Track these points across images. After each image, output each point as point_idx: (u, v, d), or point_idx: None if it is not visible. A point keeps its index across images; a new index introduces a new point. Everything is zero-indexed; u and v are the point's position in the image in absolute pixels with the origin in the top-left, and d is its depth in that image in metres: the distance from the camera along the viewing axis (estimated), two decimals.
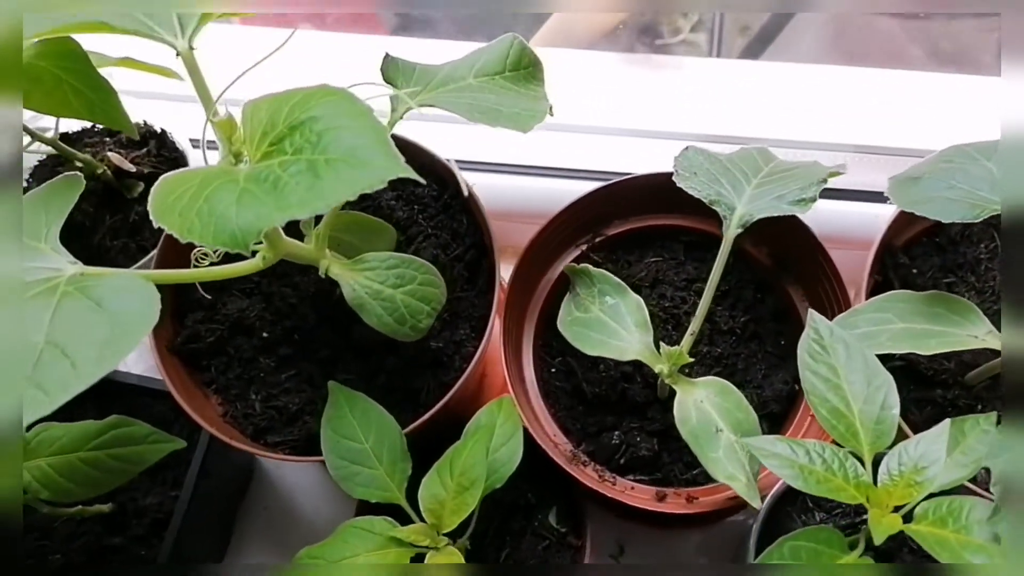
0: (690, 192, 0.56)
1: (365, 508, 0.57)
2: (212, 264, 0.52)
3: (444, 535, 0.51)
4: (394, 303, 0.53)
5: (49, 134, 0.62)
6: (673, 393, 0.58)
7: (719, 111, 0.85)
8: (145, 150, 0.68)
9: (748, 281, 0.68)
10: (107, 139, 0.69)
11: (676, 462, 0.64)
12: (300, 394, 0.61)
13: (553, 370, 0.68)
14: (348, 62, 0.89)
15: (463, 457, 0.52)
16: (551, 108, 0.54)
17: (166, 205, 0.37)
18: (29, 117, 0.67)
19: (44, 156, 0.68)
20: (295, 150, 0.38)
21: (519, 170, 0.84)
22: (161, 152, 0.69)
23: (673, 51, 1.39)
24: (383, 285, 0.53)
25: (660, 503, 0.60)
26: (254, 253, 0.47)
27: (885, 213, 0.64)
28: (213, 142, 0.58)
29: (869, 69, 0.89)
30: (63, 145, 0.61)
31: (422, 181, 0.38)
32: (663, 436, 0.63)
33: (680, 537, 0.74)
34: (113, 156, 0.65)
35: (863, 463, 0.43)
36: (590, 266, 0.62)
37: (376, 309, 0.53)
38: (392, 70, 0.53)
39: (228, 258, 0.51)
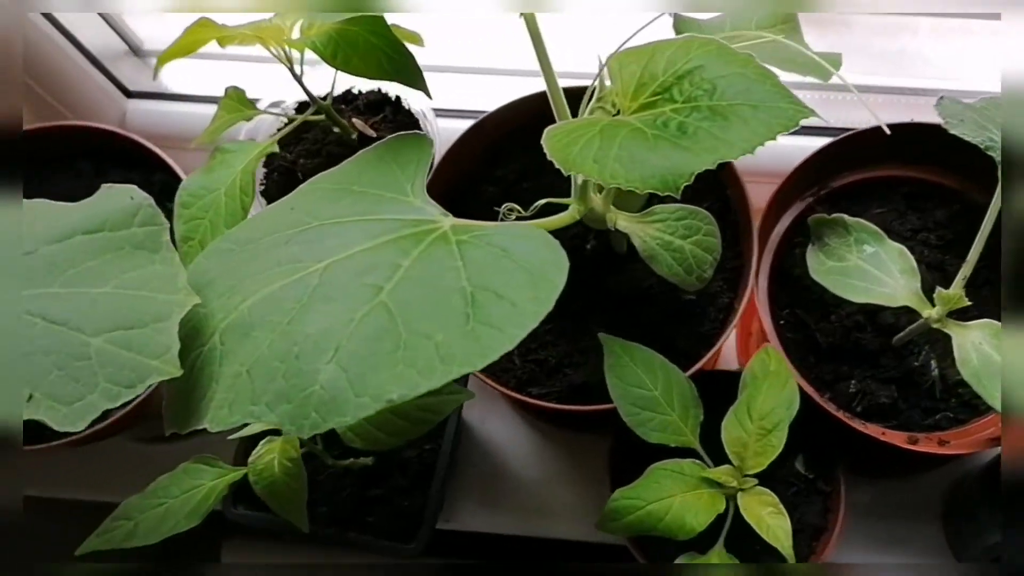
0: (964, 138, 0.57)
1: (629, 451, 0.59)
2: (520, 218, 0.54)
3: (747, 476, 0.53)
4: (683, 253, 0.55)
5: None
6: (910, 342, 0.60)
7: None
8: (382, 116, 0.70)
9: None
10: (343, 106, 0.71)
11: (913, 408, 0.65)
12: (556, 348, 0.63)
13: (782, 322, 0.69)
14: None
15: (758, 402, 0.54)
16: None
17: (573, 155, 0.39)
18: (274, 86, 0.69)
19: (285, 121, 0.70)
20: (686, 98, 0.40)
21: None
22: (397, 117, 0.70)
23: None
24: (673, 236, 0.55)
25: (913, 446, 0.62)
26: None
27: None
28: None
29: None
30: (333, 112, 0.63)
31: (828, 122, 0.39)
32: (900, 383, 0.65)
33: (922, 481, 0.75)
34: (356, 122, 0.67)
35: None
36: (845, 216, 0.63)
37: (667, 259, 0.55)
38: (684, 26, 0.54)
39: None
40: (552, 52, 0.48)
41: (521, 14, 0.46)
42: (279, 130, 0.64)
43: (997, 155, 0.56)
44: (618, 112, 0.42)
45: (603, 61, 0.43)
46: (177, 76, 0.88)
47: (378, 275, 0.39)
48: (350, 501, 0.66)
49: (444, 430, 0.67)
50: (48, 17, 0.72)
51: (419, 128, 0.70)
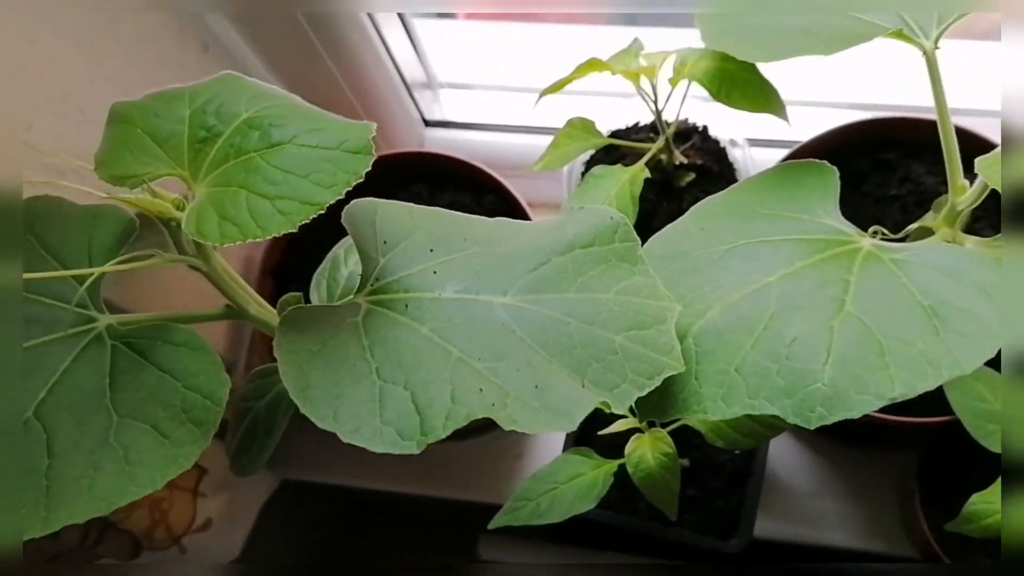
0: None
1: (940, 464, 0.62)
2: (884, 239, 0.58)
3: None
4: None
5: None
6: None
7: None
8: (690, 143, 0.75)
9: None
10: (651, 135, 0.77)
11: None
12: None
13: None
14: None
15: None
16: None
17: None
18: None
19: (595, 150, 0.76)
20: None
21: None
22: (705, 144, 0.76)
23: None
24: None
25: None
26: None
27: None
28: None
29: None
30: (671, 142, 0.69)
31: None
32: None
33: None
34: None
35: None
36: None
37: None
38: None
39: None
40: None
41: (924, 52, 0.51)
42: (586, 158, 0.71)
43: None
44: None
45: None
46: (459, 106, 0.97)
47: (834, 289, 0.44)
48: None
49: None
50: (384, 44, 0.81)
51: (726, 155, 0.76)
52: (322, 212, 0.38)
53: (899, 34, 0.51)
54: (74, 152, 0.52)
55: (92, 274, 0.38)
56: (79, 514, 0.34)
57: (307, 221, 0.37)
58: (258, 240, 0.36)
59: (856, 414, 0.39)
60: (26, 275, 0.38)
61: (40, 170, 0.49)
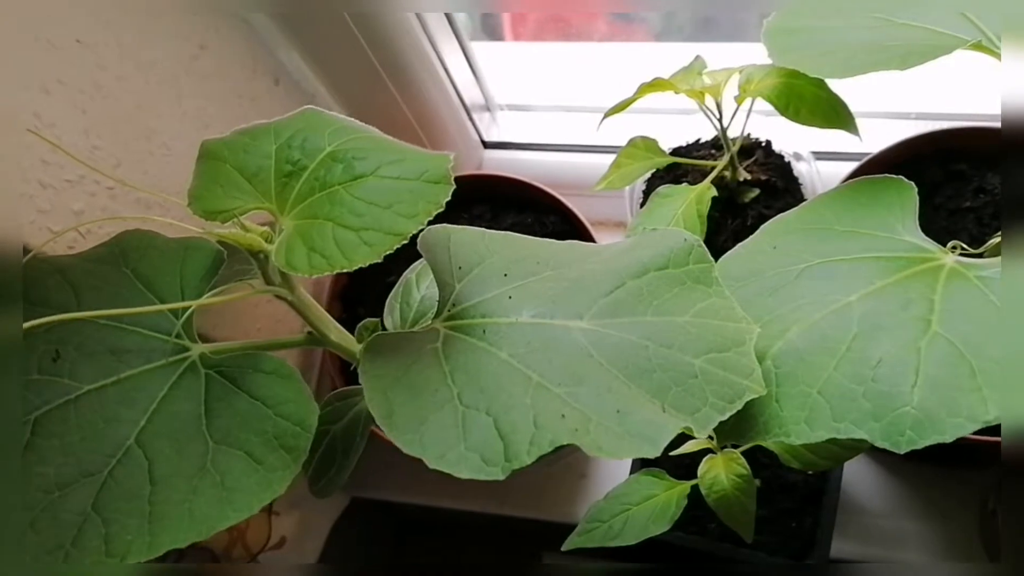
0: None
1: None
2: (963, 254, 0.57)
3: None
4: None
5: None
6: None
7: None
8: (753, 159, 0.75)
9: None
10: (713, 151, 0.76)
11: None
12: None
13: None
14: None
15: None
16: None
17: None
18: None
19: (656, 168, 0.76)
20: None
21: None
22: (769, 160, 0.75)
23: None
24: None
25: None
26: None
27: None
28: None
29: None
30: (736, 159, 0.68)
31: None
32: None
33: None
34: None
35: None
36: None
37: None
38: None
39: None
40: None
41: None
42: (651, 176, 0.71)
43: None
44: None
45: None
46: (517, 127, 0.98)
47: (919, 308, 0.43)
48: None
49: None
50: (444, 68, 0.82)
51: (790, 169, 0.75)
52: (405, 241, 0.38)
53: (979, 46, 0.50)
54: (160, 186, 0.54)
55: (189, 307, 0.39)
56: (181, 538, 0.35)
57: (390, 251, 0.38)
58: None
59: (948, 438, 0.38)
60: (127, 310, 0.39)
61: (131, 205, 0.51)
